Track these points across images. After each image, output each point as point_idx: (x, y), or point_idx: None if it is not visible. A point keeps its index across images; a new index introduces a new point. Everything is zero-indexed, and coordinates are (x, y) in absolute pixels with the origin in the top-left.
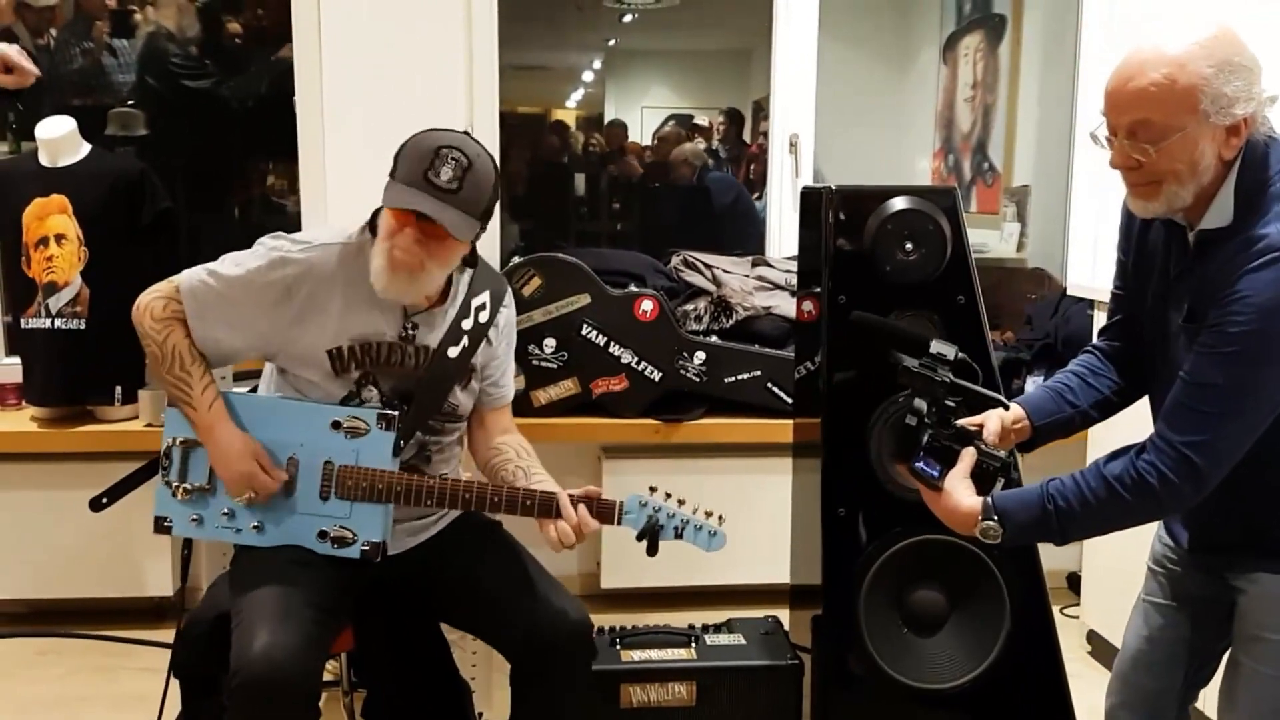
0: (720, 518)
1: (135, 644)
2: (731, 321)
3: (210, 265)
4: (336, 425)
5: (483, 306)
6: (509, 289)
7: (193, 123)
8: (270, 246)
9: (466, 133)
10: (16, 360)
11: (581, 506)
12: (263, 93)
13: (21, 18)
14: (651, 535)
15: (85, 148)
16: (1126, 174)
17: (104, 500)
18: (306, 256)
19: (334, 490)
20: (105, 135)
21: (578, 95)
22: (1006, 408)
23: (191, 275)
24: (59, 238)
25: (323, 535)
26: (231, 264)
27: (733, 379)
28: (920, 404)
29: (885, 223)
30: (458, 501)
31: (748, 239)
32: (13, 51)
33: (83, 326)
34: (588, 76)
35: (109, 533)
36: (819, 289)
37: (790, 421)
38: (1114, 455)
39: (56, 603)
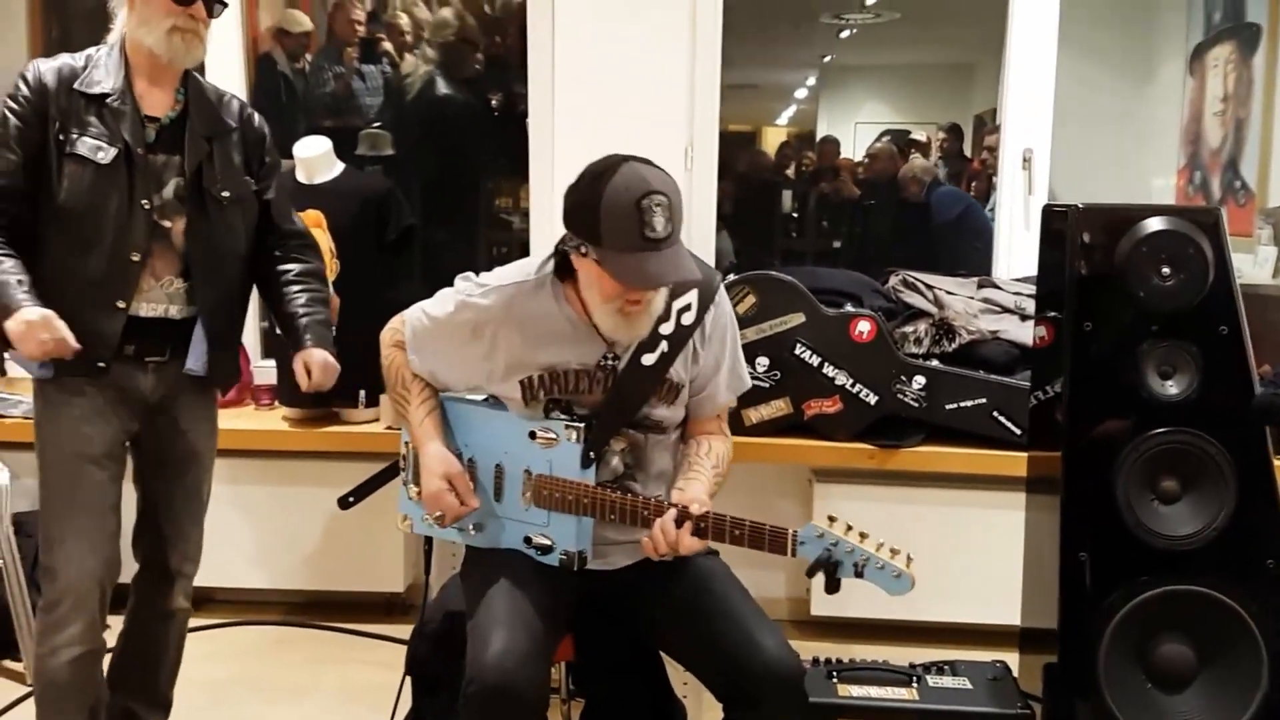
0: (909, 558)
1: (369, 637)
2: (954, 345)
3: (428, 303)
4: (533, 435)
5: (686, 308)
6: (720, 286)
7: (433, 144)
8: (456, 290)
9: (628, 157)
10: (272, 363)
11: (685, 527)
12: (496, 115)
13: (280, 43)
14: (828, 570)
15: (339, 166)
16: None
17: (350, 499)
18: (483, 302)
19: (532, 499)
20: (355, 155)
21: (789, 112)
22: None
23: (414, 311)
24: None
25: (528, 540)
26: (437, 304)
27: (955, 406)
28: None
29: (1139, 245)
30: (624, 516)
31: (973, 256)
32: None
33: (333, 334)
34: (800, 93)
35: (347, 528)
36: (1056, 314)
37: (1018, 454)
38: None
39: (297, 593)
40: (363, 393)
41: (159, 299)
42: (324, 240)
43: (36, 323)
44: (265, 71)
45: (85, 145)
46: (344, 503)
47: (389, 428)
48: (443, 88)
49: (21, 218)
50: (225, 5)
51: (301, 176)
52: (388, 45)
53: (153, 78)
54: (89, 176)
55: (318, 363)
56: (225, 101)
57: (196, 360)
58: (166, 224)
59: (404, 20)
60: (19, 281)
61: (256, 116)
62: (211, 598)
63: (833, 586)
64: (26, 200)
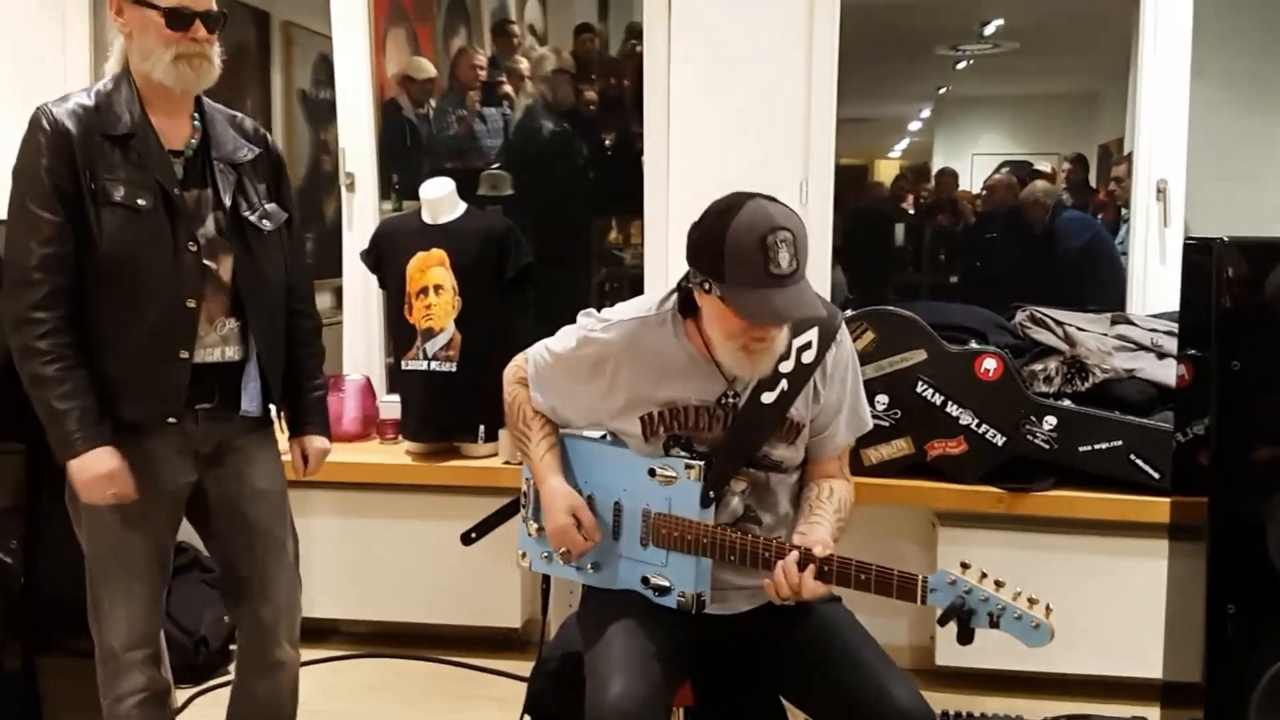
0: (1048, 607)
1: (488, 673)
2: (1087, 385)
3: (550, 340)
4: (652, 473)
5: (807, 346)
6: (842, 323)
7: (550, 182)
8: (579, 326)
9: (753, 194)
10: (396, 398)
11: (808, 570)
12: (610, 154)
13: (406, 90)
14: (960, 620)
15: (462, 206)
16: None
17: (473, 535)
18: (605, 336)
19: (650, 538)
20: (476, 195)
21: (902, 145)
22: None
23: (537, 348)
24: (437, 288)
25: (645, 581)
26: (559, 341)
27: (1088, 448)
28: None
29: None
30: (744, 558)
31: (1102, 286)
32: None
33: (454, 369)
34: (914, 126)
35: (465, 563)
36: (1198, 352)
37: (1158, 499)
38: None
39: (417, 626)
40: (482, 428)
41: (214, 343)
42: (447, 279)
43: (107, 475)
44: (391, 117)
45: (120, 192)
46: (466, 539)
47: (506, 462)
48: (542, 119)
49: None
50: (225, 16)
51: (427, 217)
52: (508, 88)
53: (168, 109)
54: (130, 224)
55: (317, 452)
56: (239, 123)
57: (251, 401)
58: (213, 264)
59: (524, 65)
60: (84, 411)
61: (270, 137)
62: (336, 629)
63: (965, 637)
64: (74, 258)
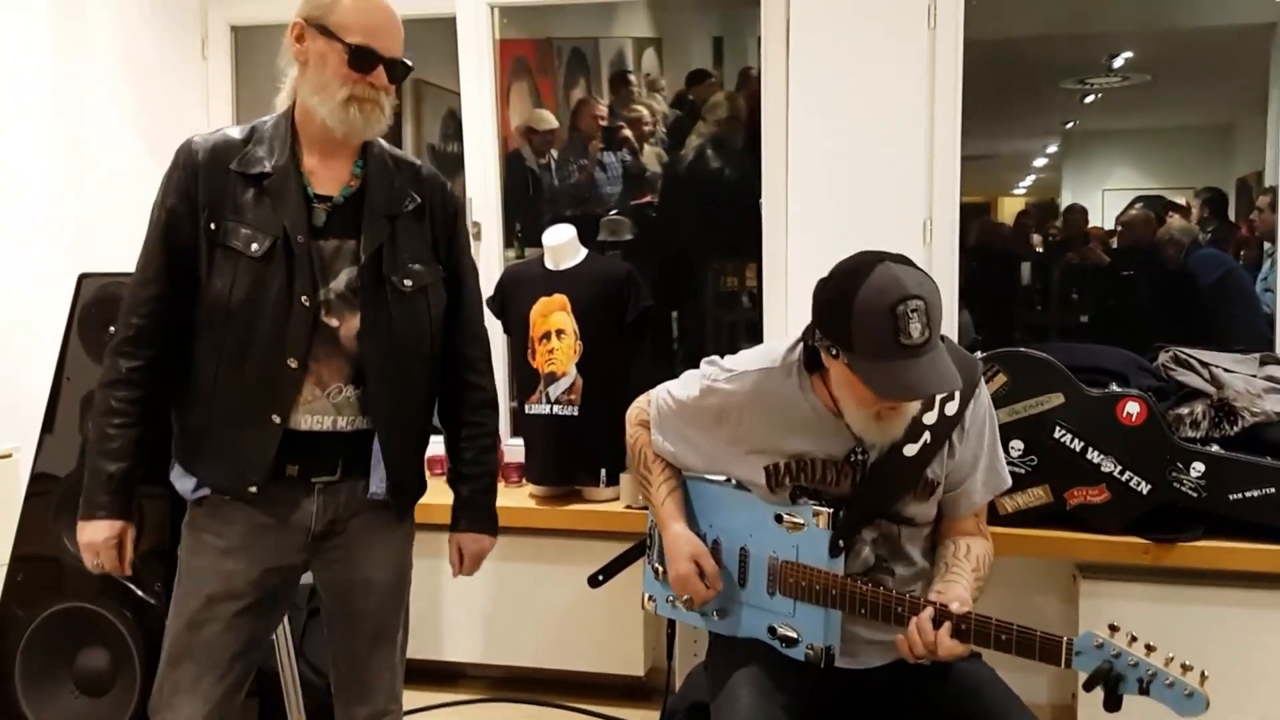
0: (1203, 674)
1: None
2: (1236, 428)
3: (674, 384)
4: (779, 519)
5: (950, 397)
6: (982, 376)
7: (671, 224)
8: (702, 374)
9: (882, 256)
10: (520, 442)
11: (944, 628)
12: (727, 197)
13: (529, 141)
14: (1107, 685)
15: (583, 252)
16: None
17: (600, 578)
18: (729, 387)
19: (777, 586)
20: (597, 241)
21: (1027, 182)
22: None
23: (660, 391)
24: (559, 333)
25: (772, 631)
26: (683, 386)
27: (1239, 495)
28: None
29: None
30: (875, 612)
31: (1236, 325)
32: None
33: (576, 413)
34: (1039, 162)
35: (589, 608)
36: None
37: None
38: None
39: (541, 672)
40: (604, 471)
41: (323, 410)
42: (569, 323)
43: (90, 545)
44: (514, 168)
45: (238, 235)
46: (594, 581)
47: (629, 506)
48: (713, 162)
49: (173, 325)
50: (410, 69)
51: (549, 263)
52: (628, 133)
53: (325, 151)
54: (241, 270)
55: (472, 552)
56: (413, 171)
57: (379, 482)
58: (333, 323)
59: (644, 112)
60: (110, 477)
61: (448, 187)
62: (462, 673)
63: (1113, 704)
64: (181, 303)
